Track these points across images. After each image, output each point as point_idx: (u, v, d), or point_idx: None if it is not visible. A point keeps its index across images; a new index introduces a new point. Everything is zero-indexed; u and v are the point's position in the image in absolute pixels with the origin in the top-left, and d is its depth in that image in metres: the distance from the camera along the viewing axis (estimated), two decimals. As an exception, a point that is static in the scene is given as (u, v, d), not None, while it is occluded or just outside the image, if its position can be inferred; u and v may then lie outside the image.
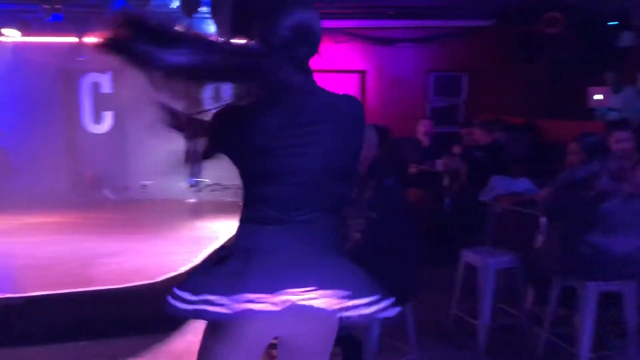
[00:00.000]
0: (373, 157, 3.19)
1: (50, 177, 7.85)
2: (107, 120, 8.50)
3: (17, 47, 8.14)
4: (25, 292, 3.98)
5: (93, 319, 3.99)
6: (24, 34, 7.82)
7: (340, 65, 8.51)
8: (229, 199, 8.63)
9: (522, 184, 4.63)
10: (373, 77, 8.66)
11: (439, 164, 5.99)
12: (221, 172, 9.54)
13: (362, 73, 8.71)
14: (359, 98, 9.25)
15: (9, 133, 8.48)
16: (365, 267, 3.01)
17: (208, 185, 8.80)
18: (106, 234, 5.76)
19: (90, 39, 8.04)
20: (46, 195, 7.53)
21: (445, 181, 5.99)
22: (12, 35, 7.79)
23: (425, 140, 6.48)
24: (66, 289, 4.09)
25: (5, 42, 8.02)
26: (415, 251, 3.20)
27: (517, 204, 4.44)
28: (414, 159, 6.32)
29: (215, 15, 5.94)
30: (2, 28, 7.68)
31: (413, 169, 6.25)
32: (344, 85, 8.64)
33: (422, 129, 6.49)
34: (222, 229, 6.30)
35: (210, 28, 7.51)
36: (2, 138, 8.53)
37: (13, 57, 8.19)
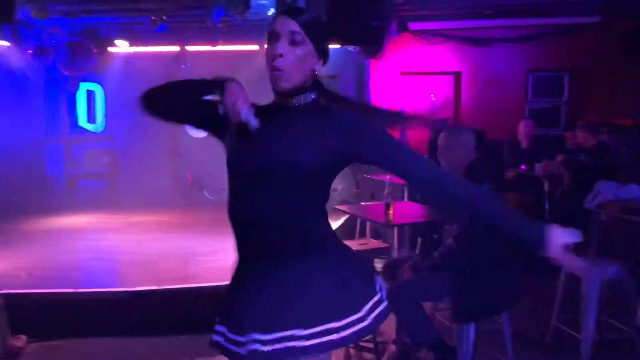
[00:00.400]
0: (470, 161, 3.10)
1: (156, 178, 8.33)
2: (207, 125, 8.90)
3: (127, 57, 8.70)
4: (132, 287, 4.23)
5: (192, 314, 4.17)
6: (132, 44, 8.35)
7: (434, 67, 8.36)
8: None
9: (632, 191, 4.31)
10: (468, 78, 8.43)
11: (539, 168, 5.72)
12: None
13: (457, 74, 8.50)
14: (453, 100, 9.07)
15: (119, 137, 9.09)
16: (457, 274, 2.95)
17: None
18: (205, 232, 6.02)
19: (192, 47, 8.47)
20: (151, 195, 7.99)
21: (546, 186, 5.71)
22: (122, 46, 8.34)
23: (524, 142, 6.22)
24: (168, 284, 4.31)
25: (116, 52, 8.60)
26: (512, 259, 3.07)
27: (626, 212, 4.14)
28: (512, 161, 6.08)
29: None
30: (114, 39, 8.23)
31: (511, 173, 6.02)
32: (438, 87, 8.47)
33: (523, 130, 6.22)
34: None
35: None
36: (113, 142, 9.15)
37: (123, 66, 8.77)
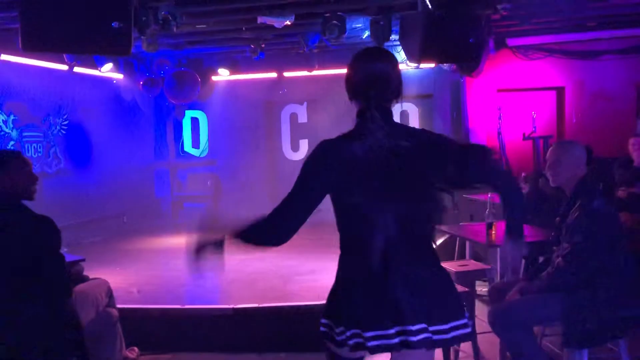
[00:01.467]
0: (581, 177, 2.93)
1: (255, 200, 8.57)
2: (304, 148, 9.06)
3: (228, 85, 9.10)
4: (234, 304, 4.35)
5: (291, 332, 4.21)
6: (233, 72, 8.73)
7: (535, 82, 8.04)
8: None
9: None
10: (572, 93, 8.03)
11: (654, 187, 5.29)
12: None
13: (560, 90, 8.12)
14: (556, 116, 8.66)
15: (221, 161, 9.49)
16: (569, 296, 2.77)
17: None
18: (304, 252, 6.09)
19: (289, 73, 8.73)
20: (251, 216, 8.23)
21: (663, 205, 5.27)
22: (224, 74, 8.75)
23: (637, 159, 5.79)
24: (269, 302, 4.39)
25: (218, 80, 9.03)
26: (628, 281, 2.84)
27: None
28: (623, 180, 5.67)
29: (403, 41, 6.03)
30: (217, 68, 8.66)
31: (622, 192, 5.62)
32: (540, 104, 8.13)
33: (633, 147, 5.80)
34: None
35: (400, 55, 7.64)
36: (215, 166, 9.56)
37: (224, 94, 9.18)
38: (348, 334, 1.80)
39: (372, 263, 1.80)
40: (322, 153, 1.86)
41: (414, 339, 1.73)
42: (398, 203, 1.81)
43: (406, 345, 1.74)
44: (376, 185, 1.80)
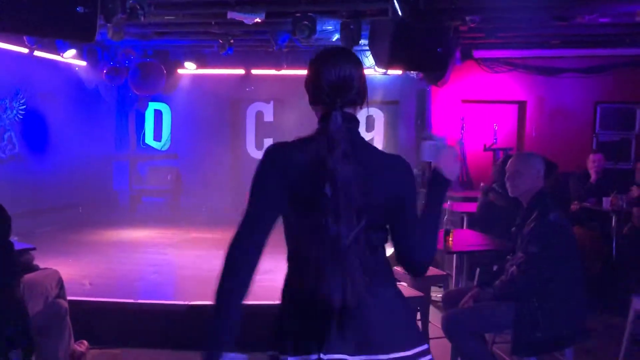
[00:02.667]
0: (538, 189, 3.00)
1: (216, 197, 8.50)
2: (267, 146, 9.05)
3: (194, 79, 9.00)
4: (189, 300, 4.30)
5: (245, 331, 4.19)
6: (199, 66, 8.63)
7: (498, 95, 8.23)
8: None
9: None
10: (533, 107, 8.24)
11: (606, 203, 5.48)
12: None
13: (522, 104, 8.33)
14: (517, 129, 8.86)
15: (183, 155, 9.37)
16: (520, 305, 2.84)
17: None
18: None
19: (256, 71, 8.68)
20: (211, 213, 8.16)
21: (613, 221, 5.46)
22: (190, 68, 8.64)
23: (593, 176, 5.99)
24: (224, 300, 4.36)
25: (184, 74, 8.91)
26: (578, 294, 2.93)
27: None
28: (579, 194, 5.86)
29: (372, 47, 6.08)
30: (183, 62, 8.55)
31: (575, 206, 5.80)
32: (502, 116, 8.32)
33: (592, 164, 6.00)
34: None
35: (368, 60, 7.69)
36: (177, 160, 9.43)
37: (189, 88, 9.07)
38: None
39: (315, 287, 1.60)
40: (270, 160, 1.69)
41: None
42: (339, 223, 1.57)
43: None
44: (317, 201, 1.58)
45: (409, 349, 1.64)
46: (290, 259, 1.77)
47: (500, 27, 6.66)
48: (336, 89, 1.70)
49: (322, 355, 1.58)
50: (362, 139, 1.73)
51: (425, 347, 1.68)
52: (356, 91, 1.72)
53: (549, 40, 7.41)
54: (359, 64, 1.76)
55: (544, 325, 2.82)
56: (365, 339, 1.60)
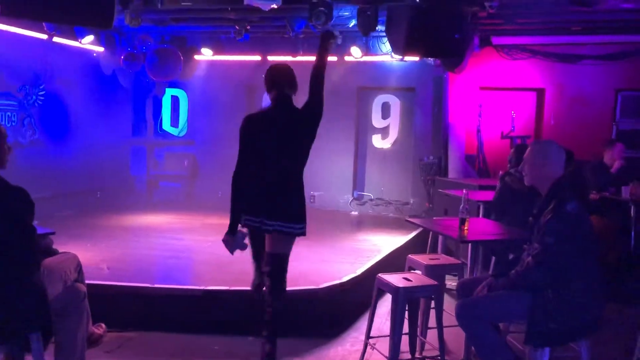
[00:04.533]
0: (556, 178, 2.96)
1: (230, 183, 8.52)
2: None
3: (210, 65, 9.01)
4: (204, 285, 4.35)
5: (261, 316, 4.22)
6: (216, 52, 8.63)
7: (516, 82, 8.13)
8: (390, 214, 8.67)
9: None
10: (552, 95, 8.13)
11: (626, 192, 5.41)
12: (383, 188, 9.65)
13: (540, 91, 8.22)
14: (535, 116, 8.75)
15: (199, 141, 9.41)
16: (535, 295, 2.82)
17: (371, 200, 8.94)
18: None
19: (273, 57, 8.65)
20: (227, 199, 8.19)
21: (632, 211, 5.40)
22: (207, 54, 8.65)
23: (612, 165, 5.90)
24: (240, 286, 4.39)
25: (201, 60, 8.92)
26: (594, 285, 2.90)
27: None
28: (597, 184, 5.79)
29: (389, 33, 6.03)
30: (200, 48, 8.55)
31: (594, 195, 5.73)
32: (520, 103, 8.22)
33: (612, 153, 5.91)
34: (383, 243, 6.32)
35: (385, 46, 7.64)
36: (193, 146, 9.48)
37: (206, 74, 9.08)
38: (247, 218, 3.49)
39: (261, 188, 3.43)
40: (246, 121, 3.46)
41: (268, 227, 3.41)
42: (279, 153, 3.40)
43: (262, 229, 3.43)
44: (267, 142, 3.40)
45: (299, 223, 3.44)
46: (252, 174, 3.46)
47: (519, 13, 6.56)
48: (284, 82, 3.50)
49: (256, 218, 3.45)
50: (294, 107, 3.49)
51: (303, 224, 3.46)
52: (294, 85, 3.51)
53: (569, 26, 7.28)
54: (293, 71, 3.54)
55: (558, 316, 2.80)
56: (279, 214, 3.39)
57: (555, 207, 2.85)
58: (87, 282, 3.47)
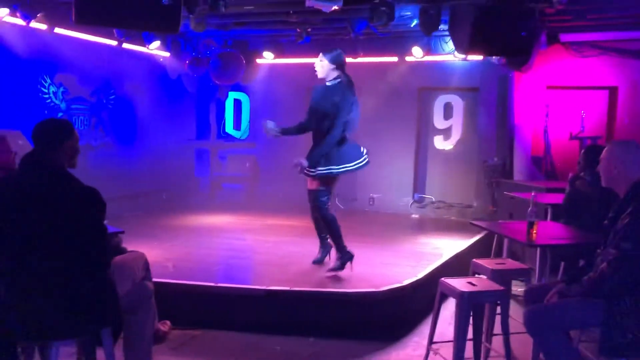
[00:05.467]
0: (635, 180, 2.80)
1: (291, 184, 8.59)
2: (344, 135, 9.00)
3: (271, 68, 9.12)
4: (266, 285, 4.39)
5: (321, 317, 4.23)
6: (277, 56, 8.73)
7: (587, 81, 7.79)
8: (452, 218, 8.49)
9: None
10: (626, 93, 7.73)
11: None
12: (445, 190, 9.45)
13: (613, 89, 7.84)
14: (607, 116, 8.37)
15: (260, 144, 9.53)
16: (610, 303, 2.68)
17: (432, 203, 8.78)
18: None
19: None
20: (287, 201, 8.27)
21: None
22: (268, 57, 8.76)
23: None
24: (300, 287, 4.41)
25: (262, 63, 9.05)
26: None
27: None
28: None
29: (452, 32, 5.91)
30: (262, 51, 8.67)
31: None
32: (590, 103, 7.88)
33: None
34: (445, 246, 6.20)
35: (448, 45, 7.50)
36: (255, 149, 9.62)
37: (267, 77, 9.19)
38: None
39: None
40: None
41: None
42: None
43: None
44: None
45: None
46: None
47: (590, 9, 6.29)
48: None
49: None
50: None
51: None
52: None
53: (645, 20, 6.91)
54: None
55: (635, 325, 2.65)
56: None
57: (634, 211, 2.70)
58: (153, 280, 3.56)
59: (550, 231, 3.95)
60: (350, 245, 5.00)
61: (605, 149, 2.96)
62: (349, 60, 8.31)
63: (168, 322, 4.05)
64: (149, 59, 8.38)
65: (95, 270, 2.72)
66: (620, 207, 2.81)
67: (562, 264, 4.50)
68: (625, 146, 2.93)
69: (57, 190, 2.67)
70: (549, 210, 5.08)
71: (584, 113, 7.48)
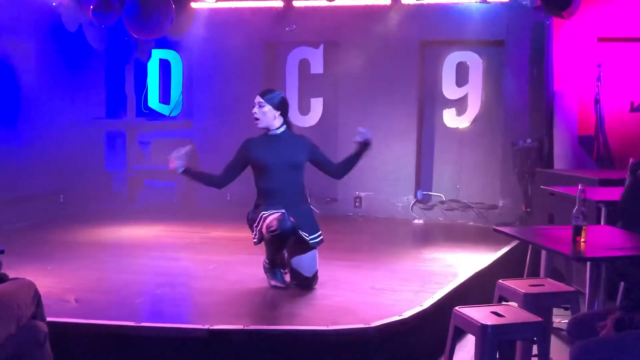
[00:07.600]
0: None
1: (245, 179, 8.58)
2: (317, 110, 9.02)
3: (213, 15, 9.07)
4: (210, 324, 4.39)
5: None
6: (221, -2, 8.73)
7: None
8: (470, 222, 8.58)
9: None
10: None
11: None
12: (460, 185, 9.56)
13: None
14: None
15: (199, 123, 9.49)
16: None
17: (441, 203, 8.85)
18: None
19: (300, 2, 8.66)
20: (238, 202, 8.22)
21: None
22: (208, 0, 8.72)
23: None
24: (259, 324, 4.41)
25: (200, 8, 9.00)
26: None
27: None
28: None
29: None
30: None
31: None
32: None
33: None
34: (461, 263, 6.27)
35: None
36: (191, 130, 9.57)
37: (208, 27, 9.13)
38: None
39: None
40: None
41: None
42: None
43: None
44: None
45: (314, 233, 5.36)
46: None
47: None
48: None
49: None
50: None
51: (319, 232, 5.39)
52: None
53: None
54: None
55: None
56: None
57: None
58: (48, 319, 3.53)
59: (604, 239, 4.03)
60: (328, 265, 5.02)
61: None
62: (322, 3, 8.38)
63: (70, 379, 4.02)
64: (36, 5, 8.25)
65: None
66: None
67: (622, 284, 4.59)
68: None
69: None
70: (603, 210, 5.17)
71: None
